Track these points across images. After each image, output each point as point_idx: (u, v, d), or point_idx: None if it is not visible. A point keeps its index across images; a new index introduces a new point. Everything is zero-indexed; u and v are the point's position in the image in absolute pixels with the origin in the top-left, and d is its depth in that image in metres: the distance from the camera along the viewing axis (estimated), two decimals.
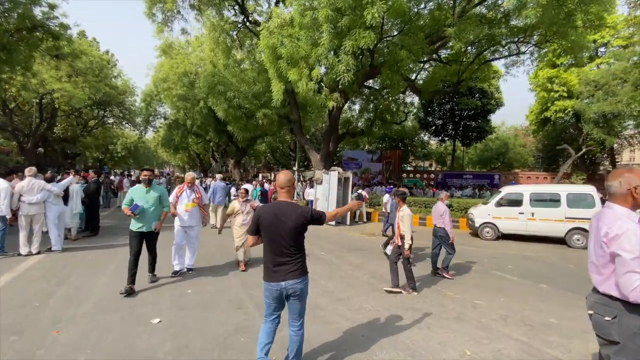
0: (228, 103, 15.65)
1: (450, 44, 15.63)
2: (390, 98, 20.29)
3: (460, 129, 24.88)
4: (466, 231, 11.70)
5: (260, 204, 5.35)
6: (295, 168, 17.65)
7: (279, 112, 16.63)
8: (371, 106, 20.96)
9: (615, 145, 25.01)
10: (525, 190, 10.05)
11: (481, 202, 11.41)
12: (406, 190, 14.25)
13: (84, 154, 45.14)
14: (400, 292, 4.88)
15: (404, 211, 4.89)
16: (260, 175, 27.40)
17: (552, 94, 21.46)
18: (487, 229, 10.20)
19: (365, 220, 13.31)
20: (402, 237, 4.90)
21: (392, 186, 10.74)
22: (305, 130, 19.09)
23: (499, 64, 17.59)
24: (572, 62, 22.88)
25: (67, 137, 32.31)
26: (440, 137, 25.97)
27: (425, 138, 30.67)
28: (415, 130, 28.36)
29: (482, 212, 10.34)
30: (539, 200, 9.76)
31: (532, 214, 9.67)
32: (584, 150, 18.27)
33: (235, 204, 5.96)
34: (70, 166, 36.58)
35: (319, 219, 2.61)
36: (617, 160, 26.96)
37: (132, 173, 22.95)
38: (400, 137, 28.21)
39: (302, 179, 22.60)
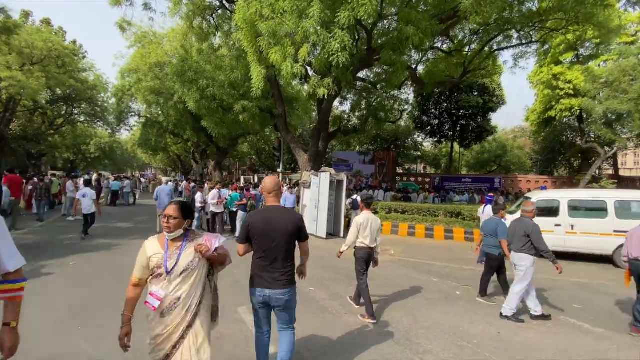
0: (200, 93, 13.35)
1: (456, 33, 14.02)
2: (386, 94, 18.43)
3: (458, 129, 23.20)
4: None
5: (218, 242, 2.17)
6: (280, 170, 15.47)
7: (260, 105, 14.45)
8: (364, 103, 19.02)
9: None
10: (561, 196, 8.17)
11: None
12: (372, 193, 12.12)
13: (52, 154, 41.74)
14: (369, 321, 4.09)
15: (357, 217, 4.44)
16: (242, 178, 25.01)
17: (558, 92, 20.04)
18: None
19: (380, 228, 11.22)
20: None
21: (492, 194, 8.33)
22: (291, 128, 16.94)
23: (506, 55, 15.89)
24: (575, 60, 21.75)
25: (28, 135, 29.07)
26: (436, 138, 24.23)
27: (419, 139, 28.97)
28: (409, 131, 26.58)
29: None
30: (580, 209, 7.91)
31: (572, 227, 7.79)
32: (615, 149, 16.74)
33: (148, 249, 2.10)
34: (34, 167, 33.40)
35: (304, 232, 2.57)
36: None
37: (89, 174, 20.25)
38: (394, 138, 26.39)
39: (288, 183, 20.40)
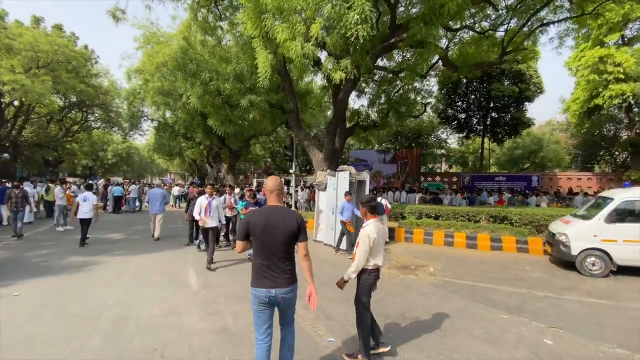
0: (203, 88, 12.05)
1: (489, 12, 12.18)
2: (408, 86, 16.62)
3: (489, 122, 21.02)
4: (539, 256, 7.90)
5: None
6: (292, 171, 13.95)
7: (270, 99, 13.05)
8: (383, 97, 17.28)
9: None
10: None
11: (570, 214, 7.60)
12: (378, 198, 9.93)
13: (70, 161, 42.13)
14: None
15: (364, 228, 3.21)
16: (254, 181, 23.70)
17: (605, 76, 17.67)
18: (593, 259, 6.38)
19: (387, 239, 9.48)
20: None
21: None
22: (304, 125, 15.45)
23: (550, 33, 13.63)
24: (620, 42, 19.33)
25: (41, 142, 28.85)
26: (464, 133, 22.08)
27: (443, 136, 26.81)
28: (432, 126, 24.53)
29: (583, 232, 6.53)
30: None
31: None
32: None
33: None
34: (51, 174, 33.46)
35: (304, 231, 2.56)
36: None
37: (93, 179, 19.41)
38: (416, 135, 24.39)
39: (302, 185, 18.92)
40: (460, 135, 23.04)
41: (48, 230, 9.85)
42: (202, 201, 6.53)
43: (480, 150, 24.21)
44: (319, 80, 18.99)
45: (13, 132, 25.35)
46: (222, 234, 8.68)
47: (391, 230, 9.82)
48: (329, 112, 23.99)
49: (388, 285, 5.49)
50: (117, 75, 40.12)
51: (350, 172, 8.41)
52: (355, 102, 20.51)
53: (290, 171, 14.09)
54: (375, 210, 3.32)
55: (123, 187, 17.08)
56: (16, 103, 22.85)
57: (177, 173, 60.47)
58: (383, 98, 17.10)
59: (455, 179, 22.47)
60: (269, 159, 37.06)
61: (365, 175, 8.66)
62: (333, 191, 8.72)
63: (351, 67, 8.41)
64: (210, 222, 6.42)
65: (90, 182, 13.69)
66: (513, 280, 6.00)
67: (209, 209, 6.40)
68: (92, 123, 33.84)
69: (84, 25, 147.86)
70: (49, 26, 26.76)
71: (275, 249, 2.45)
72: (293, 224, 2.48)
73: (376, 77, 16.84)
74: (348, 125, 15.36)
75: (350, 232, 7.99)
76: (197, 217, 6.52)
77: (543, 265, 7.17)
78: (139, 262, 6.50)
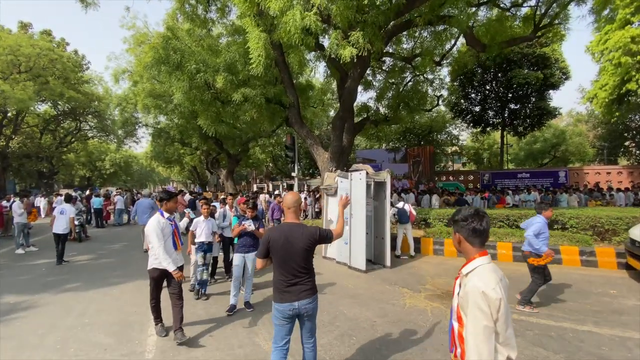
0: (190, 81, 10.46)
1: None
2: (418, 76, 14.96)
3: (507, 114, 19.26)
4: (613, 271, 6.18)
5: None
6: (295, 174, 12.32)
7: (266, 93, 11.41)
8: (392, 90, 15.60)
9: None
10: None
11: None
12: (400, 203, 7.58)
13: (68, 172, 40.85)
14: None
15: (474, 281, 1.45)
16: (254, 186, 22.10)
17: (638, 58, 15.90)
18: None
19: (413, 253, 7.75)
20: None
21: None
22: (306, 122, 13.81)
23: (585, 7, 11.79)
24: None
25: (30, 153, 27.40)
26: (479, 128, 20.31)
27: (455, 132, 25.03)
28: (444, 121, 22.79)
29: None
30: None
31: None
32: None
33: None
34: (46, 187, 32.13)
35: (325, 237, 2.58)
36: None
37: (76, 190, 17.79)
38: (427, 131, 22.66)
39: (306, 190, 17.26)
40: (476, 129, 21.29)
41: (5, 254, 8.25)
42: (158, 224, 3.54)
43: (498, 146, 22.47)
44: (321, 73, 17.34)
45: (0, 142, 24.03)
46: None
47: (416, 241, 8.11)
48: (332, 112, 22.41)
49: (439, 333, 3.79)
50: (109, 82, 38.22)
51: (367, 173, 6.73)
52: (363, 95, 18.86)
53: (293, 174, 12.45)
54: (485, 237, 1.55)
55: (108, 197, 15.49)
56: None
57: (179, 181, 59.11)
58: (392, 91, 15.45)
59: (472, 178, 20.72)
60: (270, 164, 35.45)
61: (386, 176, 6.97)
62: (345, 195, 7.04)
63: (363, 41, 6.77)
64: (172, 263, 3.54)
65: (71, 193, 12.19)
66: (606, 315, 4.29)
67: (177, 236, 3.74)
68: (87, 132, 32.62)
69: (81, 34, 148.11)
70: (37, 32, 25.54)
71: (295, 264, 2.48)
72: (310, 239, 2.48)
73: (384, 67, 15.22)
74: (356, 120, 13.72)
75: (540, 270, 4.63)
76: (157, 248, 3.51)
77: (628, 286, 5.44)
78: (89, 303, 4.80)
